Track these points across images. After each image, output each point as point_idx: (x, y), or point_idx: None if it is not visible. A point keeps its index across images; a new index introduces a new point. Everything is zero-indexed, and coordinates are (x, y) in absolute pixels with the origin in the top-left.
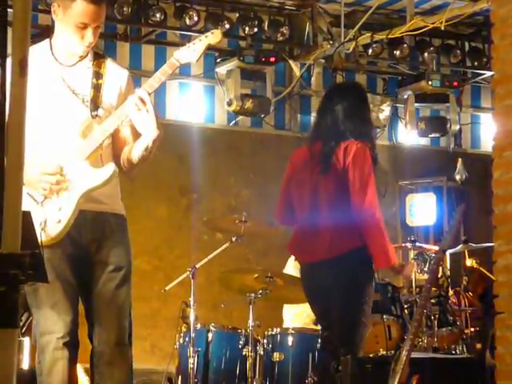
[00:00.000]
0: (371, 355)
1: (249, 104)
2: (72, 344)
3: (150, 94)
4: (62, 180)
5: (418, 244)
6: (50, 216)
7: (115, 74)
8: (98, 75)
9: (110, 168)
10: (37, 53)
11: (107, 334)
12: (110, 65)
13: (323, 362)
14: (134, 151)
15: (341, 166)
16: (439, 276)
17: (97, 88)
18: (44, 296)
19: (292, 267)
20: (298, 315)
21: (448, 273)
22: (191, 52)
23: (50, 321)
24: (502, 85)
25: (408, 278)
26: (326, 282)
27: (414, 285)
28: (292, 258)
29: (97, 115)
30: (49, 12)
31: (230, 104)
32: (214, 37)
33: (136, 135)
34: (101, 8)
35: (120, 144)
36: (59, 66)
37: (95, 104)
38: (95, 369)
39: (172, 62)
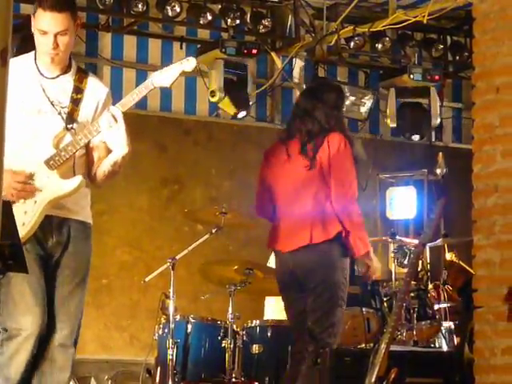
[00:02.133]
0: (350, 347)
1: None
2: (38, 341)
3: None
4: (29, 188)
5: (397, 237)
6: (16, 219)
7: (96, 90)
8: (78, 90)
9: (77, 179)
10: (20, 63)
11: (56, 333)
12: (91, 81)
13: (298, 355)
14: (102, 166)
15: (322, 158)
16: (419, 270)
17: (75, 102)
18: (14, 288)
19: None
20: (279, 307)
21: (428, 266)
22: (166, 77)
23: (20, 315)
24: (483, 79)
25: (373, 270)
26: (304, 268)
27: (393, 278)
28: None
29: (72, 128)
30: (31, 1)
31: (213, 95)
32: (189, 64)
33: (108, 150)
34: (60, 15)
35: (92, 157)
36: (41, 78)
37: (71, 117)
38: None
39: (147, 85)
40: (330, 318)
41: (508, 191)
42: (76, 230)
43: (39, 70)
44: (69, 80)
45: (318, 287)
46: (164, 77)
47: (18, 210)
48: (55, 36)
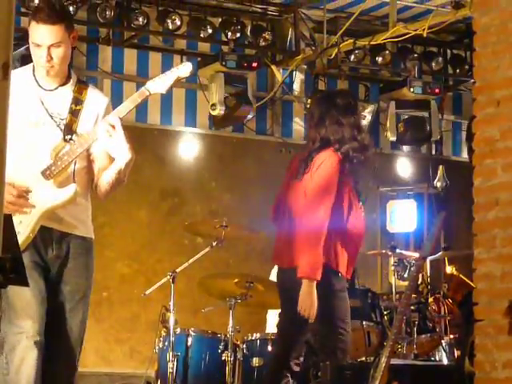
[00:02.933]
0: (350, 361)
1: (232, 102)
2: (41, 343)
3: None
4: (23, 203)
5: (397, 251)
6: None
7: (95, 101)
8: (77, 101)
9: (72, 188)
10: (19, 75)
11: (58, 358)
12: (91, 92)
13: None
14: (106, 176)
15: (307, 175)
16: (419, 283)
17: (74, 113)
18: (15, 296)
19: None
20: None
21: (428, 280)
22: (162, 83)
23: (20, 319)
24: (483, 93)
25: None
26: (292, 289)
27: (393, 291)
28: None
29: (70, 139)
30: None
31: (214, 108)
32: (185, 69)
33: (111, 160)
34: (54, 27)
35: (93, 168)
36: (39, 90)
37: (70, 129)
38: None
39: (143, 92)
40: (330, 344)
41: (509, 205)
42: (75, 246)
43: (38, 82)
44: (68, 92)
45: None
46: (159, 83)
47: (13, 219)
48: (49, 48)
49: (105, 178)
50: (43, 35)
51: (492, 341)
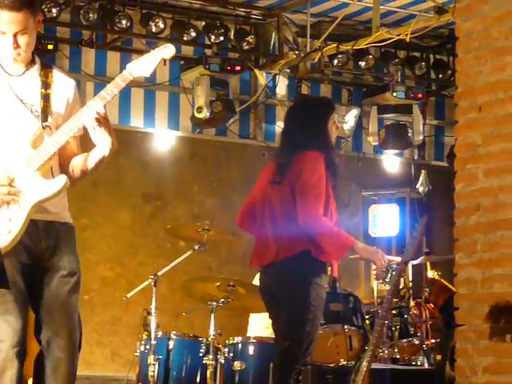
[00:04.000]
0: (332, 365)
1: (219, 107)
2: (21, 354)
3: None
4: (13, 191)
5: None
6: (0, 227)
7: (63, 83)
8: (46, 85)
9: (62, 179)
10: None
11: (61, 339)
12: (57, 74)
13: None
14: (90, 161)
15: (294, 176)
16: (401, 287)
17: (46, 98)
18: None
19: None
20: (262, 324)
21: (410, 284)
22: (145, 66)
23: (0, 329)
24: (466, 98)
25: (375, 257)
26: (274, 285)
27: (375, 296)
28: None
29: (47, 126)
30: None
31: (200, 111)
32: (168, 51)
33: (83, 145)
34: (19, 14)
35: (68, 154)
36: (7, 76)
37: (45, 114)
38: (47, 372)
39: (126, 76)
40: (300, 336)
41: (490, 210)
42: (63, 232)
43: (3, 68)
44: (35, 76)
45: (285, 305)
46: (142, 66)
47: (2, 217)
48: (15, 36)
49: (88, 165)
50: (8, 23)
51: (473, 345)
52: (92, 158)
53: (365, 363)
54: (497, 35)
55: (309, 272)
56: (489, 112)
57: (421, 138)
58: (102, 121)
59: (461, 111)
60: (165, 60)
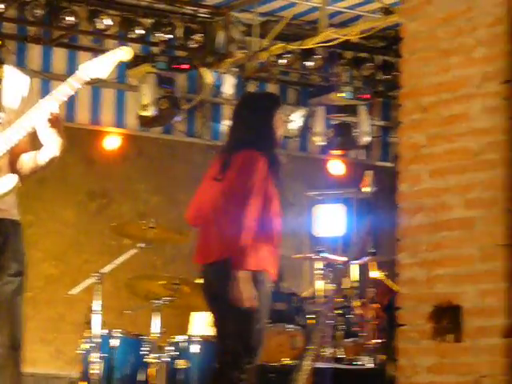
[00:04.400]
0: (275, 364)
1: (165, 105)
2: None
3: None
4: None
5: (323, 254)
6: None
7: (16, 79)
8: None
9: (14, 178)
10: None
11: (3, 336)
12: (8, 70)
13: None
14: (40, 160)
15: (232, 175)
16: (347, 287)
17: None
18: None
19: None
20: (205, 322)
21: (356, 284)
22: (101, 67)
23: None
24: (410, 99)
25: (240, 296)
26: (217, 283)
27: (319, 295)
28: None
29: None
30: None
31: (145, 109)
32: (125, 53)
33: (33, 142)
34: None
35: (17, 151)
36: None
37: None
38: None
39: (80, 77)
40: (246, 335)
41: (433, 210)
42: (11, 229)
43: None
44: None
45: (229, 303)
46: (97, 67)
47: None
48: None
49: (28, 163)
50: None
51: (415, 345)
52: (41, 157)
53: (308, 362)
54: (442, 36)
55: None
56: (433, 113)
57: (367, 138)
58: (55, 122)
59: (405, 112)
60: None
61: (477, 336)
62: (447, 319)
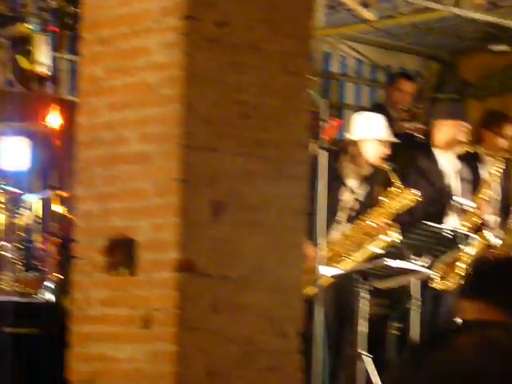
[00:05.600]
0: None
1: None
2: None
3: None
4: None
5: (4, 187)
6: None
7: None
8: None
9: None
10: None
11: None
12: None
13: None
14: None
15: None
16: (28, 221)
17: None
18: None
19: None
20: None
21: (38, 219)
22: None
23: None
24: (90, 31)
25: None
26: None
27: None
28: None
29: None
30: None
31: None
32: None
33: None
34: None
35: None
36: None
37: None
38: None
39: None
40: None
41: (111, 144)
42: None
43: None
44: None
45: None
46: None
47: None
48: None
49: None
50: None
51: (88, 278)
52: None
53: None
54: None
55: None
56: (113, 45)
57: (44, 70)
58: None
59: (85, 44)
60: None
61: (150, 270)
62: (121, 253)
